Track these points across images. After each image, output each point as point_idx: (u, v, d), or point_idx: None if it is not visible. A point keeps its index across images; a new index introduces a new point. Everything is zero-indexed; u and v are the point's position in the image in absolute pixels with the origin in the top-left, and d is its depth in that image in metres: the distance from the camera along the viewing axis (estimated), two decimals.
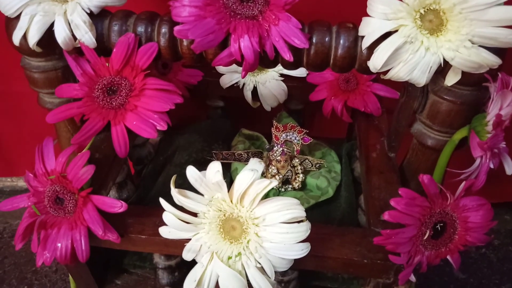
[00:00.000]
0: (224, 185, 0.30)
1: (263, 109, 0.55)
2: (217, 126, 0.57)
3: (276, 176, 0.47)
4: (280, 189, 0.49)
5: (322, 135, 0.61)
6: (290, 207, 0.29)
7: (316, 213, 0.47)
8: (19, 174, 0.78)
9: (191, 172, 0.31)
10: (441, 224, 0.33)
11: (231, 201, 0.31)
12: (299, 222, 0.30)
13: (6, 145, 0.74)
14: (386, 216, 0.31)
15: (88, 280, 0.41)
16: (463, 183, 0.32)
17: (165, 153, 0.54)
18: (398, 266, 0.33)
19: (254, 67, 0.34)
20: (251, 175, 0.29)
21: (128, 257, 0.45)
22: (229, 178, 0.50)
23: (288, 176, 0.48)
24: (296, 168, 0.48)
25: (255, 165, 0.30)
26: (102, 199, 0.34)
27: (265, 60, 0.34)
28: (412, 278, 0.32)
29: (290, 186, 0.49)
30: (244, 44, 0.32)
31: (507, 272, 0.61)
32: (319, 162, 0.49)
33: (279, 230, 0.30)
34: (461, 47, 0.31)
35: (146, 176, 0.52)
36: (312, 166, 0.49)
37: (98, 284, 0.42)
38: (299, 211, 0.29)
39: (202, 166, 0.51)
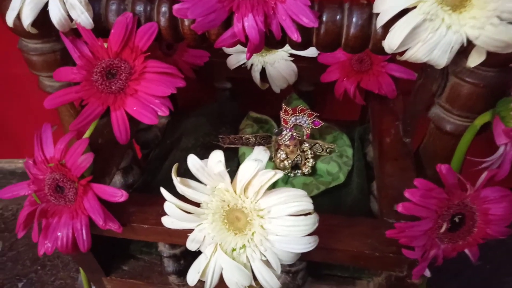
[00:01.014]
0: (226, 176, 0.28)
1: (272, 91, 0.53)
2: (224, 109, 0.55)
3: (285, 161, 0.46)
4: (289, 174, 0.47)
5: (334, 117, 0.59)
6: (296, 199, 0.27)
7: (326, 200, 0.45)
8: (31, 156, 0.78)
9: (192, 161, 0.29)
10: (460, 216, 0.31)
11: (235, 192, 0.29)
12: (306, 214, 0.28)
13: (17, 127, 0.74)
14: (400, 208, 0.29)
15: (94, 267, 0.41)
16: (485, 173, 0.30)
17: (172, 136, 0.53)
18: (412, 260, 0.31)
19: (260, 48, 0.32)
20: (255, 165, 0.27)
21: (135, 243, 0.45)
22: (236, 163, 0.48)
23: (297, 161, 0.46)
24: (305, 153, 0.46)
25: (259, 154, 0.28)
26: (103, 188, 0.33)
27: (271, 40, 0.32)
28: (427, 273, 0.31)
29: (300, 171, 0.47)
30: (249, 23, 0.30)
31: None
32: (330, 146, 0.47)
33: (285, 223, 0.28)
34: (487, 25, 0.28)
35: (152, 160, 0.51)
36: (322, 150, 0.47)
37: (104, 270, 0.42)
38: (307, 204, 0.27)
39: (208, 150, 0.49)
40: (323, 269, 0.41)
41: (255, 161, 0.27)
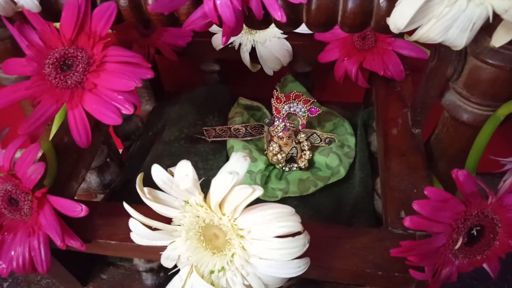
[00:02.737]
0: (196, 192, 0.23)
1: (265, 73, 0.48)
2: (212, 94, 0.50)
3: (278, 155, 0.41)
4: (283, 168, 0.42)
5: (335, 99, 0.54)
6: (282, 219, 0.23)
7: (325, 197, 0.40)
8: None
9: (157, 172, 0.24)
10: (478, 228, 0.26)
11: (209, 208, 0.24)
12: (294, 234, 0.23)
13: None
14: (407, 222, 0.24)
15: (68, 278, 0.37)
16: (510, 178, 0.25)
17: (155, 127, 0.48)
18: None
19: (238, 31, 0.26)
20: (229, 179, 0.22)
21: None
22: (225, 157, 0.43)
23: (292, 153, 0.41)
24: (301, 144, 0.41)
25: (236, 164, 0.23)
26: (61, 201, 0.28)
27: (252, 20, 0.26)
28: None
29: (295, 165, 0.42)
30: (221, 1, 0.24)
31: None
32: (329, 136, 0.42)
33: (270, 245, 0.23)
34: None
35: (133, 154, 0.46)
36: (321, 141, 0.42)
37: (81, 280, 0.38)
38: (294, 224, 0.23)
39: (193, 143, 0.45)
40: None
41: (230, 174, 0.22)
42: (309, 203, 0.40)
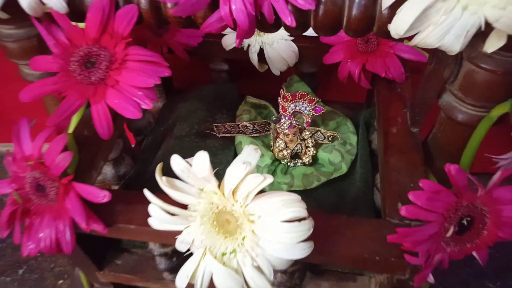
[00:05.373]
0: (212, 180, 0.26)
1: (272, 72, 0.50)
2: (221, 92, 0.52)
3: (284, 151, 0.43)
4: (289, 164, 0.44)
5: (339, 99, 0.56)
6: (289, 205, 0.25)
7: (328, 191, 0.43)
8: None
9: (176, 161, 0.27)
10: (468, 219, 0.28)
11: (223, 195, 0.27)
12: (300, 220, 0.26)
13: (12, 111, 0.72)
14: (403, 211, 0.26)
15: (87, 263, 0.40)
16: (498, 172, 0.27)
17: (166, 123, 0.50)
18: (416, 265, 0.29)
19: (250, 33, 0.29)
20: (242, 168, 0.25)
21: None
22: (233, 152, 0.46)
23: (297, 150, 0.44)
24: (306, 141, 0.44)
25: (249, 156, 0.25)
26: (86, 188, 0.30)
27: (263, 24, 0.29)
28: (431, 279, 0.29)
29: (300, 161, 0.44)
30: (236, 6, 0.27)
31: None
32: (332, 134, 0.44)
33: (278, 229, 0.26)
34: (510, 5, 0.25)
35: (145, 149, 0.49)
36: (324, 138, 0.44)
37: (97, 265, 0.41)
38: (300, 210, 0.25)
39: (203, 139, 0.47)
40: (322, 265, 0.39)
41: (243, 164, 0.25)
42: (312, 197, 0.42)
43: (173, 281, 0.40)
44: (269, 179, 0.24)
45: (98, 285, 0.45)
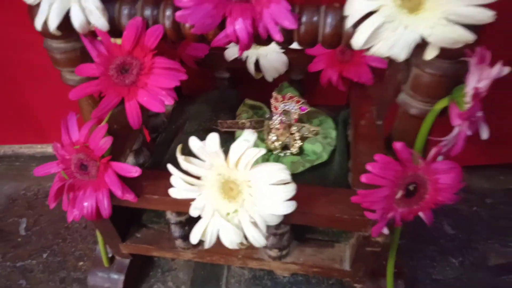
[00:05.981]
0: (221, 153, 0.35)
1: (266, 79, 0.59)
2: (224, 96, 0.61)
3: (276, 143, 0.52)
4: (279, 154, 0.53)
5: (323, 102, 0.65)
6: (277, 172, 0.34)
7: (312, 175, 0.51)
8: (49, 141, 0.84)
9: (194, 142, 0.36)
10: (414, 185, 0.37)
11: (228, 166, 0.36)
12: (285, 184, 0.35)
13: (37, 114, 0.79)
14: (363, 178, 0.35)
15: (112, 234, 0.48)
16: (433, 149, 0.36)
17: (177, 122, 0.59)
18: (374, 221, 0.37)
19: (249, 46, 0.38)
20: (244, 144, 0.34)
21: (146, 214, 0.52)
22: None
23: (287, 142, 0.53)
24: (294, 135, 0.53)
25: (248, 136, 0.34)
26: (120, 165, 0.39)
27: (259, 39, 0.38)
28: (385, 230, 0.37)
29: (289, 151, 0.53)
30: (239, 26, 0.36)
31: (496, 229, 0.65)
32: (315, 129, 0.53)
33: (269, 191, 0.35)
34: (437, 25, 0.34)
35: (160, 143, 0.57)
36: (309, 133, 0.54)
37: (121, 237, 0.49)
38: (285, 175, 0.34)
39: (209, 134, 0.56)
40: (306, 233, 0.48)
41: (244, 141, 0.34)
42: (298, 180, 0.50)
43: (184, 249, 0.49)
44: (263, 150, 0.33)
45: (119, 258, 0.54)
